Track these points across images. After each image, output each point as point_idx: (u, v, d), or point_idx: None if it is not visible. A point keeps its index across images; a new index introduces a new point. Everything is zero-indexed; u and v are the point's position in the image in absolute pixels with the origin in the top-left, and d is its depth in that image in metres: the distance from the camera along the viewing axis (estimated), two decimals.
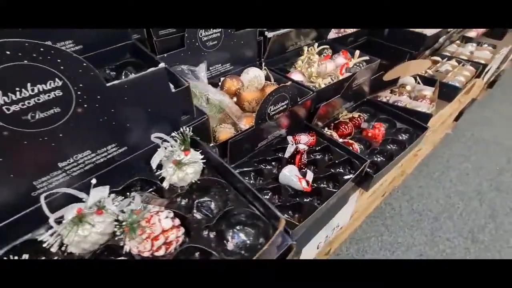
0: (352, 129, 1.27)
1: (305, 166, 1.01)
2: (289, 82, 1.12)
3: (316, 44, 1.41)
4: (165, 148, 0.56)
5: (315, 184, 0.96)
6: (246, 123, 0.91)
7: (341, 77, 1.20)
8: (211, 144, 0.81)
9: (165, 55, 0.91)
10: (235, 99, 1.00)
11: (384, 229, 1.83)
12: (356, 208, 1.37)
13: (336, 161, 1.03)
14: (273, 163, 1.04)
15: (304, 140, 1.08)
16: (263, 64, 1.23)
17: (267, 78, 1.19)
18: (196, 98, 0.85)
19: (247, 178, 0.97)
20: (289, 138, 1.07)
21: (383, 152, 1.21)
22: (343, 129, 1.25)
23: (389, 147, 1.26)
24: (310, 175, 0.95)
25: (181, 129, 0.59)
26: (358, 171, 0.97)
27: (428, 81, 1.61)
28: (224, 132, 0.88)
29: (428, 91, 1.55)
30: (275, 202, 0.90)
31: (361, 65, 1.30)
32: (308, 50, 1.24)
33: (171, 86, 0.64)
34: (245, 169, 0.97)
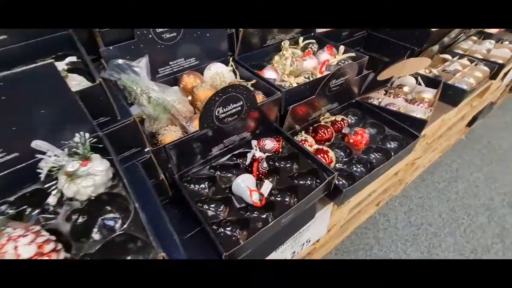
0: (333, 134, 1.14)
1: (265, 175, 0.90)
2: (252, 81, 1.02)
3: (302, 38, 1.28)
4: (51, 157, 0.48)
5: (273, 197, 0.86)
6: (196, 126, 0.81)
7: (319, 76, 1.07)
8: (146, 149, 0.72)
9: (111, 47, 0.83)
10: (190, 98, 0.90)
11: (375, 243, 1.69)
12: (335, 220, 1.25)
13: (302, 172, 0.92)
14: (233, 170, 0.94)
15: (269, 145, 0.97)
16: (233, 59, 1.12)
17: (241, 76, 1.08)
18: (137, 96, 0.76)
19: (198, 186, 0.88)
20: (253, 142, 0.97)
21: (363, 162, 1.07)
22: (322, 133, 1.12)
23: (373, 156, 1.12)
24: (266, 187, 0.84)
25: (77, 136, 0.51)
26: (322, 185, 0.85)
27: (431, 82, 1.43)
28: (169, 136, 0.79)
29: (429, 93, 1.37)
30: (223, 216, 0.81)
31: (346, 62, 1.15)
32: (282, 45, 1.11)
33: (81, 83, 0.56)
34: (196, 176, 0.88)
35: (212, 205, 0.84)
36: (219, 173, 0.92)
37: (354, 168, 1.07)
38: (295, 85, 1.00)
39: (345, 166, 1.06)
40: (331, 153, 1.02)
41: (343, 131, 1.15)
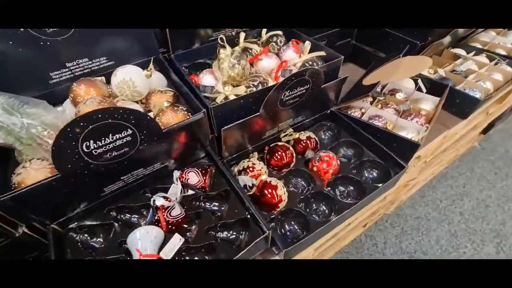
0: (293, 157, 0.89)
1: (180, 224, 0.66)
2: (169, 93, 0.76)
3: (265, 31, 1.00)
4: None
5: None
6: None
7: (270, 84, 0.79)
8: None
9: None
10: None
11: None
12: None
13: (229, 221, 0.67)
14: (143, 211, 0.71)
15: (193, 180, 0.73)
16: (166, 58, 0.86)
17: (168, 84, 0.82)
18: None
19: (88, 236, 0.66)
20: (175, 174, 0.73)
21: (326, 201, 0.81)
22: (278, 157, 0.87)
23: (341, 190, 0.86)
24: (170, 248, 0.61)
25: None
26: (252, 245, 0.60)
27: (435, 86, 1.12)
28: (27, 175, 0.56)
29: (430, 103, 1.07)
30: None
31: (314, 63, 0.87)
32: (219, 40, 0.83)
33: None
34: (86, 222, 0.66)
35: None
36: (122, 216, 0.69)
37: (314, 208, 0.82)
38: (232, 97, 0.74)
39: (302, 204, 0.81)
40: (281, 190, 0.76)
41: (305, 154, 0.89)
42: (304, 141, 0.92)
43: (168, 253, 0.59)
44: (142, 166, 0.67)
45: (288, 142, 0.93)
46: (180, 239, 0.62)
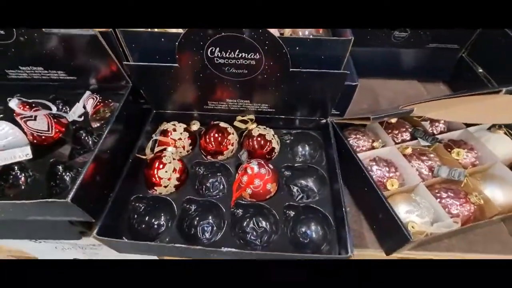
0: (227, 148, 0.66)
1: (44, 145, 0.59)
2: None
3: None
4: None
5: None
6: None
7: None
8: None
9: None
10: None
11: None
12: None
13: None
14: None
15: (88, 107, 0.63)
16: None
17: None
18: None
19: None
20: (85, 94, 0.65)
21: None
22: (208, 139, 0.66)
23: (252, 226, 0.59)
24: (13, 154, 0.55)
25: None
26: None
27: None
28: None
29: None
30: None
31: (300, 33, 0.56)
32: None
33: None
34: None
35: None
36: None
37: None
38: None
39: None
40: (163, 172, 0.58)
41: (239, 154, 0.64)
42: (255, 138, 0.66)
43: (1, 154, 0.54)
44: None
45: (242, 132, 0.70)
46: (27, 154, 0.56)
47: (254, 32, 0.47)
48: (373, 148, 0.65)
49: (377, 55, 0.91)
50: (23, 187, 0.56)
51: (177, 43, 0.50)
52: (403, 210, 0.53)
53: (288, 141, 0.72)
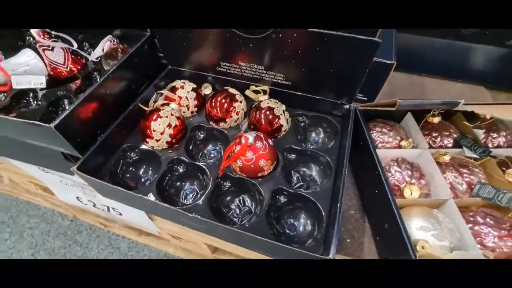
0: (231, 114, 0.60)
1: (59, 77, 0.61)
2: None
3: None
4: None
5: None
6: None
7: None
8: None
9: None
10: None
11: None
12: None
13: None
14: None
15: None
16: None
17: None
18: None
19: None
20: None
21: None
22: (213, 103, 0.61)
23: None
24: (30, 79, 0.58)
25: None
26: None
27: None
28: None
29: None
30: None
31: None
32: None
33: None
34: None
35: None
36: None
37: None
38: None
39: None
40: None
41: (240, 124, 0.58)
42: (262, 111, 0.59)
43: (18, 78, 0.57)
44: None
45: (252, 104, 0.64)
46: (42, 83, 0.58)
47: None
48: (399, 147, 0.54)
49: (437, 47, 0.75)
50: (30, 114, 0.59)
51: None
52: (416, 225, 0.42)
53: (302, 124, 0.64)
